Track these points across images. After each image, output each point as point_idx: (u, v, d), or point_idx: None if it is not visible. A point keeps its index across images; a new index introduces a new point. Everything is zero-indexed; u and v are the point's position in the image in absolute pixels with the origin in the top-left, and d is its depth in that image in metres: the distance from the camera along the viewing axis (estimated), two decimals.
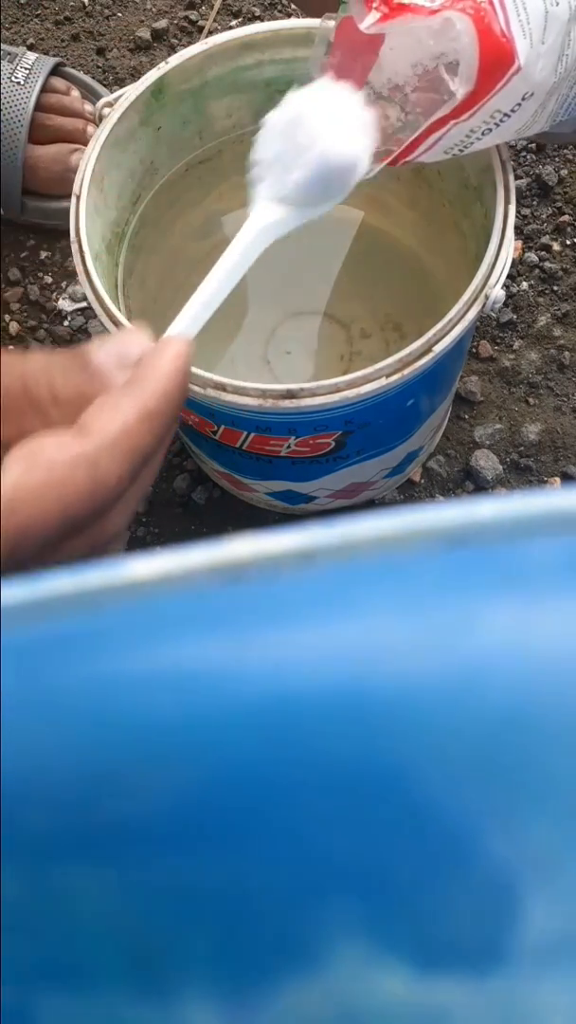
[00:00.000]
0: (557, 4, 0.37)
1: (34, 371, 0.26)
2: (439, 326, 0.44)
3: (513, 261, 0.69)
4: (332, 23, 0.39)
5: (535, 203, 0.73)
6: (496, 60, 0.35)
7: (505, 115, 0.38)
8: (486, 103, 0.37)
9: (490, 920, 0.14)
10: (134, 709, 0.15)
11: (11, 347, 0.71)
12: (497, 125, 0.39)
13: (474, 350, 0.68)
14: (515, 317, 0.69)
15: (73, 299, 0.72)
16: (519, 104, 0.38)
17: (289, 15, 0.82)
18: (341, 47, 0.39)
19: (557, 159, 0.74)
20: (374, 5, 0.35)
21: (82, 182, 0.48)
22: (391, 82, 0.37)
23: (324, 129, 0.35)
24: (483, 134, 0.39)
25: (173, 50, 0.81)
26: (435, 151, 0.39)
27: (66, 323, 0.71)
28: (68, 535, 0.25)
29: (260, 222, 0.36)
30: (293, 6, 0.82)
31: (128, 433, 0.26)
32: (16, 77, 0.70)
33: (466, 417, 0.66)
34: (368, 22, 0.35)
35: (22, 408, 0.25)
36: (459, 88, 0.35)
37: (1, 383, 0.25)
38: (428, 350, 0.44)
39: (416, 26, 0.35)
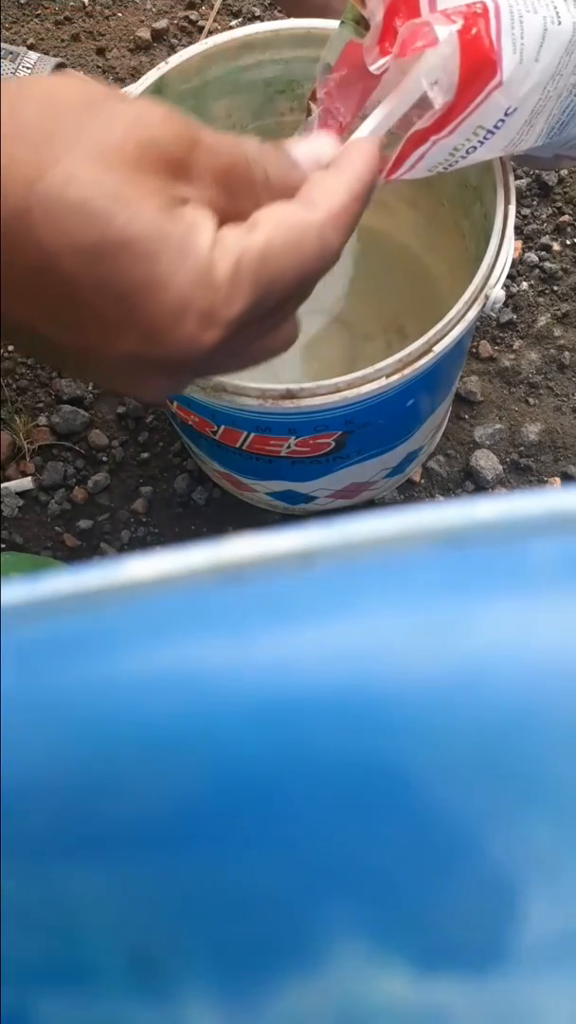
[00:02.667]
0: (559, 23, 0.37)
1: (253, 154, 0.28)
2: (439, 326, 0.44)
3: (513, 261, 0.69)
4: (343, 35, 0.38)
5: (535, 203, 0.73)
6: (478, 71, 0.35)
7: (489, 131, 0.38)
8: (467, 118, 0.36)
9: (490, 920, 0.14)
10: (134, 709, 0.15)
11: (11, 347, 0.71)
12: (481, 143, 0.38)
13: (474, 350, 0.68)
14: (515, 317, 0.69)
15: None
16: (502, 120, 0.37)
17: (289, 14, 0.82)
18: (347, 67, 0.39)
19: None
20: (388, 48, 0.35)
21: None
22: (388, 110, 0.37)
23: None
24: (468, 152, 0.39)
25: (173, 50, 0.81)
26: (419, 169, 0.39)
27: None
28: (292, 298, 0.29)
29: (434, 57, 0.37)
30: None
31: (346, 209, 0.29)
32: (18, 77, 0.69)
33: (466, 417, 0.66)
34: (378, 64, 0.35)
35: (244, 185, 0.28)
36: (437, 97, 0.35)
37: (228, 162, 0.27)
38: (428, 350, 0.44)
39: (412, 58, 0.34)
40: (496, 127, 0.38)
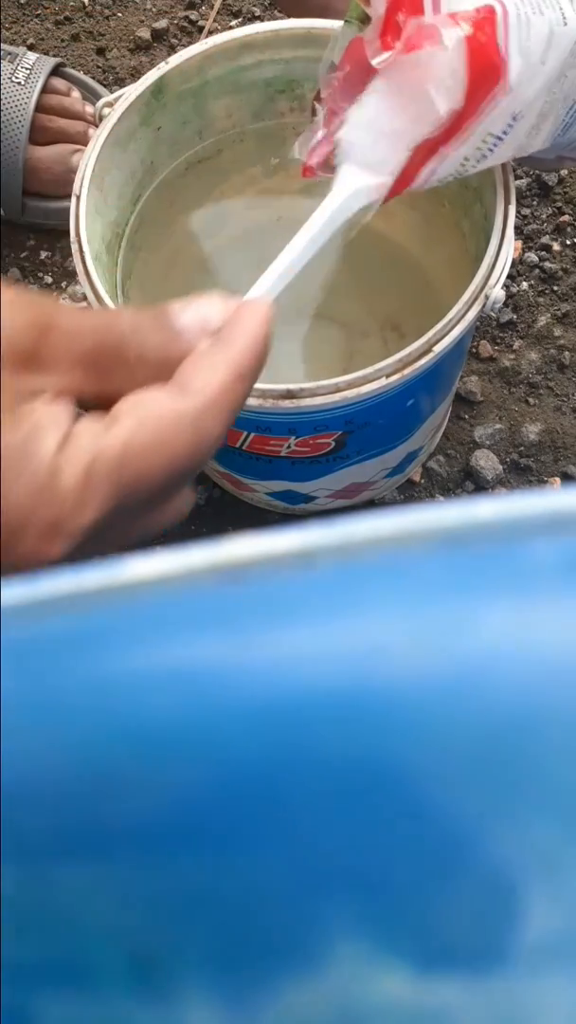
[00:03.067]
0: (565, 24, 0.37)
1: (126, 329, 0.26)
2: (439, 326, 0.44)
3: (513, 261, 0.69)
4: (347, 34, 0.38)
5: (535, 203, 0.73)
6: (485, 76, 0.35)
7: (497, 138, 0.38)
8: (476, 125, 0.36)
9: (490, 920, 0.14)
10: (134, 709, 0.15)
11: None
12: (491, 150, 0.38)
13: (474, 350, 0.68)
14: (515, 317, 0.69)
15: (73, 299, 0.72)
16: (510, 125, 0.37)
17: (288, 15, 0.82)
18: (351, 64, 0.38)
19: None
20: (391, 42, 0.35)
21: (82, 182, 0.48)
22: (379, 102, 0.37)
23: (418, 102, 0.34)
24: (478, 161, 0.39)
25: (173, 50, 0.81)
26: (431, 182, 0.39)
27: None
28: (166, 491, 0.26)
29: (347, 189, 0.35)
30: None
31: (226, 392, 0.26)
32: (16, 77, 0.70)
33: (466, 417, 0.66)
34: (379, 59, 0.35)
35: (113, 365, 0.25)
36: (442, 104, 0.35)
37: (92, 344, 0.25)
38: (428, 350, 0.44)
39: (414, 56, 0.34)
40: (504, 133, 0.37)
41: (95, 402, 0.25)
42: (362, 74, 0.38)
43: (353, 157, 0.36)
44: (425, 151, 0.37)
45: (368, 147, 0.36)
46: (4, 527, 0.23)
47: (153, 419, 0.25)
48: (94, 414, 0.25)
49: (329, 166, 0.41)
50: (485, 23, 0.34)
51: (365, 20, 0.37)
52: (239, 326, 0.27)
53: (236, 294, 0.38)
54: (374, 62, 0.35)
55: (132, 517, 0.26)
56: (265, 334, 0.28)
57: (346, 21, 0.38)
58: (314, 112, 0.41)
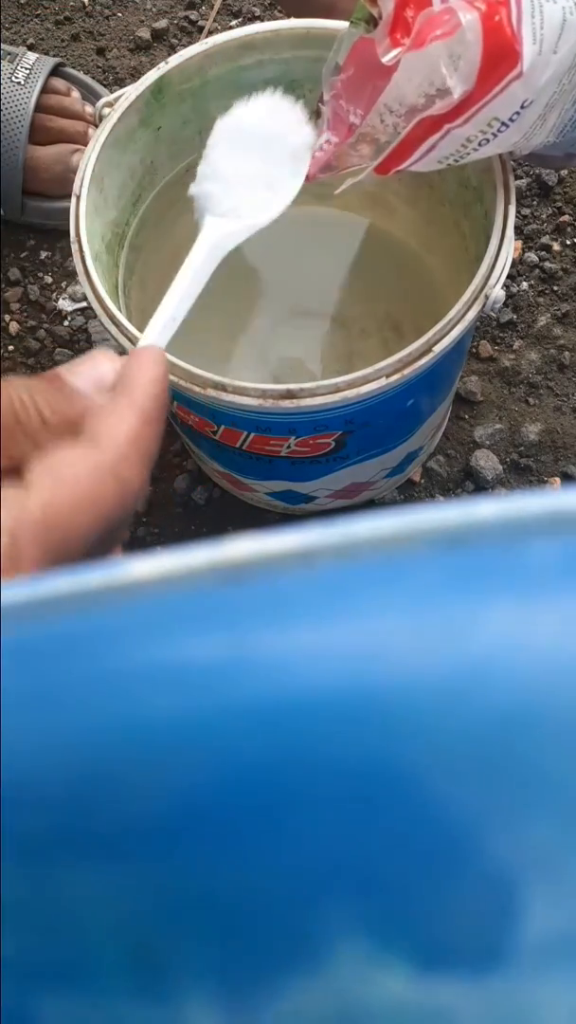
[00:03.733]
0: None
1: (19, 399, 0.26)
2: (439, 326, 0.44)
3: (513, 261, 0.69)
4: (352, 36, 0.38)
5: (535, 203, 0.73)
6: (498, 60, 0.35)
7: (504, 124, 0.38)
8: (483, 108, 0.36)
9: (491, 920, 0.14)
10: (134, 709, 0.15)
11: (11, 347, 0.71)
12: (495, 135, 0.38)
13: (474, 350, 0.68)
14: (515, 317, 0.69)
15: (73, 299, 0.72)
16: (518, 113, 0.37)
17: (290, 15, 0.82)
18: (356, 65, 0.38)
19: None
20: (400, 39, 0.35)
21: (82, 182, 0.48)
22: (399, 102, 0.37)
23: (264, 141, 0.37)
24: (480, 144, 0.39)
25: (173, 50, 0.81)
26: (429, 159, 0.39)
27: (66, 323, 0.72)
28: (99, 539, 0.26)
29: (211, 238, 0.38)
30: None
31: (138, 438, 0.26)
32: (16, 77, 0.70)
33: (466, 417, 0.66)
34: (390, 56, 0.35)
35: (15, 435, 0.25)
36: (456, 86, 0.35)
37: None
38: (428, 350, 0.44)
39: (429, 48, 0.34)
40: (511, 119, 0.37)
41: (8, 468, 0.25)
42: (368, 75, 0.38)
43: (210, 209, 0.38)
44: (428, 126, 0.37)
45: (220, 197, 0.38)
46: None
47: (71, 477, 0.24)
48: (9, 478, 0.25)
49: (330, 168, 0.41)
50: (499, 4, 0.34)
51: (371, 21, 0.37)
52: (135, 374, 0.28)
53: (237, 294, 0.38)
54: (385, 59, 0.35)
55: (74, 557, 0.25)
56: (162, 377, 0.28)
57: (351, 23, 0.38)
58: (318, 114, 0.41)
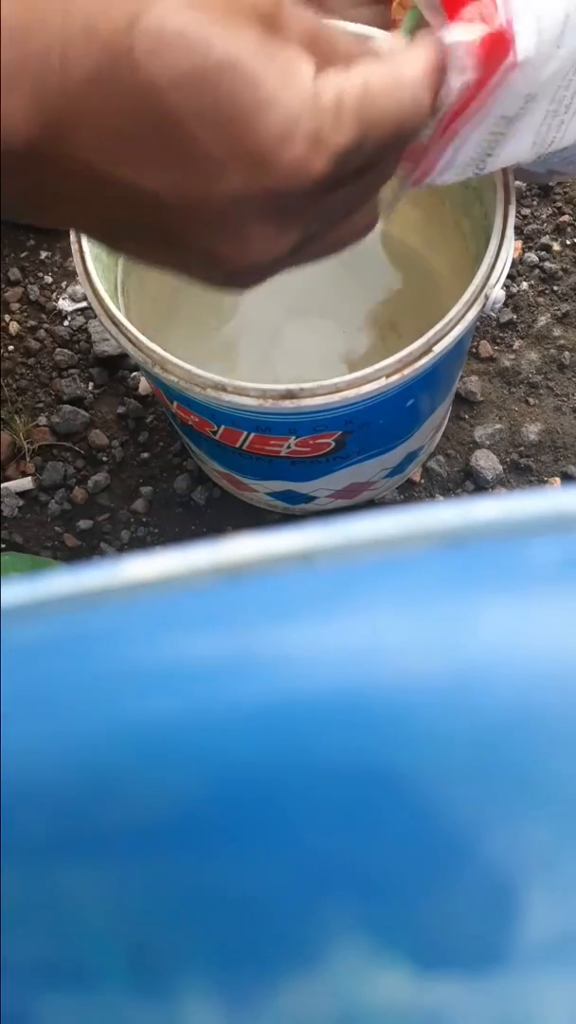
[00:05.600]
0: None
1: (335, 28, 0.29)
2: (439, 326, 0.44)
3: (513, 261, 0.69)
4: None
5: (535, 203, 0.73)
6: (492, 48, 0.35)
7: (507, 120, 0.38)
8: (487, 101, 0.36)
9: (490, 920, 0.14)
10: (134, 709, 0.15)
11: (11, 347, 0.71)
12: (503, 134, 0.38)
13: (474, 350, 0.68)
14: (515, 317, 0.69)
15: (73, 299, 0.72)
16: (523, 107, 0.37)
17: None
18: None
19: None
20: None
21: None
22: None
23: None
24: (496, 144, 0.39)
25: None
26: (456, 165, 0.39)
27: (66, 323, 0.72)
28: (385, 154, 0.29)
29: None
30: None
31: (430, 74, 0.30)
32: None
33: (466, 417, 0.66)
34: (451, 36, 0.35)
35: (328, 51, 0.27)
36: (455, 79, 0.35)
37: (313, 25, 0.27)
38: (428, 350, 0.44)
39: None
40: (516, 115, 0.37)
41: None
42: None
43: None
44: (444, 129, 0.37)
45: None
46: (276, 132, 0.25)
47: (382, 74, 0.27)
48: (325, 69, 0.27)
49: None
50: None
51: (422, 23, 0.37)
52: (424, 41, 0.31)
53: (235, 295, 0.38)
54: (448, 40, 0.35)
55: (350, 193, 0.29)
56: (440, 58, 0.31)
57: (403, 31, 0.38)
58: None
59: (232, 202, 0.26)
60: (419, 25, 0.37)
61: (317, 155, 0.26)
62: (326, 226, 0.30)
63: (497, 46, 0.34)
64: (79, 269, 0.47)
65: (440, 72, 0.31)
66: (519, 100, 0.37)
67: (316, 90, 0.26)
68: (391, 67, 0.29)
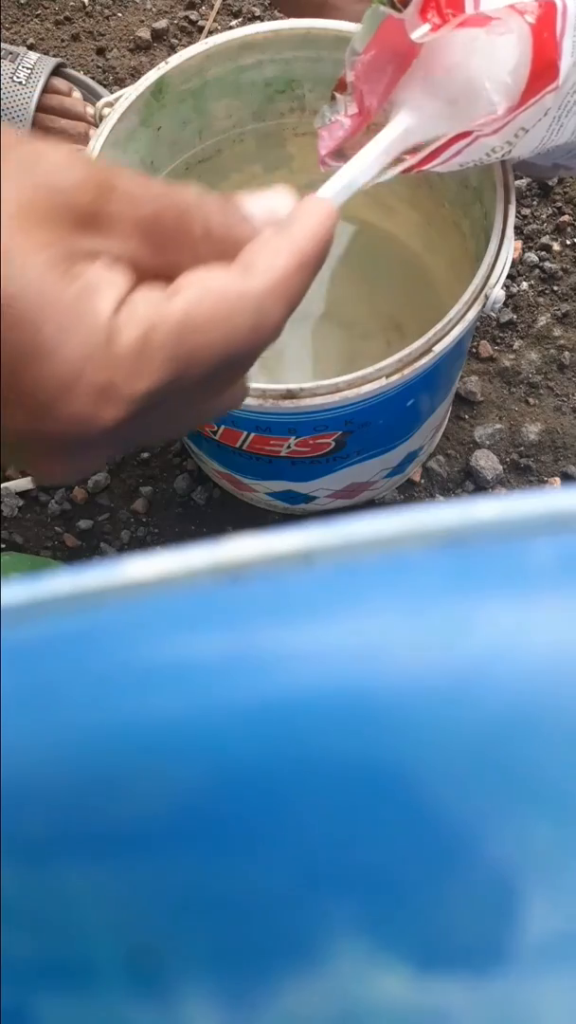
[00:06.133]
0: None
1: (191, 200, 0.25)
2: (439, 326, 0.44)
3: (513, 261, 0.69)
4: (373, 18, 0.37)
5: (535, 203, 0.73)
6: (541, 74, 0.34)
7: (524, 131, 0.37)
8: (515, 119, 0.36)
9: (490, 920, 0.14)
10: (134, 709, 0.15)
11: None
12: (512, 145, 0.38)
13: (474, 350, 0.68)
14: (515, 317, 0.69)
15: None
16: (539, 120, 0.37)
17: (287, 15, 0.82)
18: (378, 47, 0.38)
19: None
20: (428, 15, 0.34)
21: None
22: (424, 88, 0.36)
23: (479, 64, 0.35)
24: (503, 154, 0.39)
25: (173, 50, 0.81)
26: (452, 163, 0.39)
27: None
28: (220, 376, 0.25)
29: (402, 124, 0.36)
30: None
31: (289, 278, 0.26)
32: (18, 77, 0.70)
33: (466, 417, 0.66)
34: (419, 32, 0.34)
35: (176, 236, 0.24)
36: (501, 103, 0.34)
37: (153, 212, 0.24)
38: (428, 350, 0.44)
39: (465, 33, 0.33)
40: (533, 127, 0.37)
41: (154, 275, 0.24)
42: (388, 60, 0.37)
43: (410, 104, 0.36)
44: (460, 135, 0.36)
45: (422, 103, 0.36)
46: (54, 385, 0.22)
47: (216, 294, 0.24)
48: (152, 283, 0.24)
49: (342, 154, 0.40)
50: (548, 17, 0.33)
51: (393, 4, 0.36)
52: (304, 217, 0.27)
53: None
54: (414, 35, 0.34)
55: (185, 400, 0.25)
56: (329, 229, 0.27)
57: (374, 4, 0.37)
58: (333, 99, 0.41)
59: (21, 440, 0.24)
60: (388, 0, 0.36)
61: (107, 407, 0.23)
62: (168, 419, 0.26)
63: (546, 69, 0.34)
64: None
65: (316, 262, 0.27)
66: (540, 114, 0.37)
67: (111, 331, 0.22)
68: (233, 276, 0.24)
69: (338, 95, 0.40)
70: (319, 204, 0.28)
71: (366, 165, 0.35)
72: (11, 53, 0.71)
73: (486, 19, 0.33)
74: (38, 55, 0.72)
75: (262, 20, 0.82)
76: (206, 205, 0.25)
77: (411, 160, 0.38)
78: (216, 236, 0.25)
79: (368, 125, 0.39)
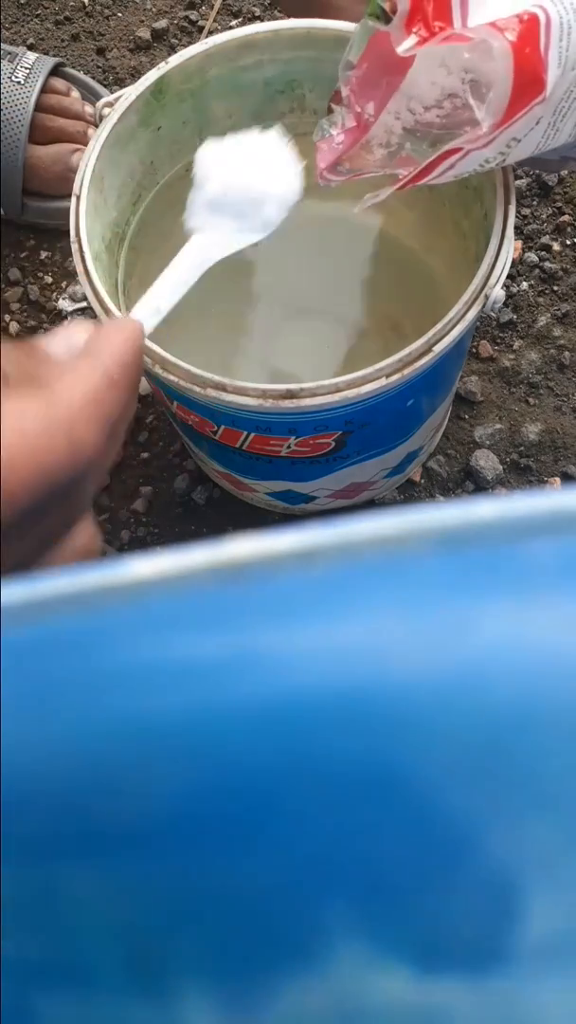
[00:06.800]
0: None
1: None
2: (439, 326, 0.44)
3: (513, 261, 0.69)
4: (365, 32, 0.37)
5: (535, 203, 0.73)
6: (527, 89, 0.34)
7: (517, 141, 0.38)
8: (505, 131, 0.36)
9: (491, 920, 0.14)
10: (134, 709, 0.15)
11: None
12: (504, 155, 0.38)
13: (474, 350, 0.68)
14: (515, 317, 0.69)
15: (73, 299, 0.72)
16: (532, 128, 0.37)
17: (288, 15, 0.82)
18: (369, 61, 0.38)
19: None
20: (414, 29, 0.34)
21: (82, 182, 0.48)
22: (412, 104, 0.36)
23: (253, 174, 0.38)
24: (497, 164, 0.39)
25: (173, 50, 0.81)
26: (447, 176, 0.39)
27: (66, 323, 0.72)
28: (50, 505, 0.25)
29: (198, 247, 0.39)
30: None
31: (97, 398, 0.25)
32: (16, 77, 0.70)
33: (466, 417, 0.66)
34: (406, 46, 0.34)
35: None
36: (486, 119, 0.34)
37: None
38: (428, 350, 0.44)
39: (448, 49, 0.34)
40: (525, 135, 0.37)
41: None
42: (382, 71, 0.37)
43: (198, 229, 0.39)
44: (449, 150, 0.36)
45: (210, 221, 0.39)
46: None
47: (17, 428, 0.23)
48: None
49: (340, 170, 0.41)
50: (529, 32, 0.33)
51: (383, 17, 0.36)
52: (104, 338, 0.27)
53: (237, 294, 0.38)
54: (400, 49, 0.34)
55: (21, 544, 0.25)
56: (134, 344, 0.27)
57: (365, 17, 0.38)
58: (329, 111, 0.41)
59: None
60: (378, 12, 0.36)
61: None
62: (15, 554, 0.25)
63: (532, 85, 0.34)
64: (79, 269, 0.47)
65: (126, 379, 0.26)
66: (531, 123, 0.37)
67: None
68: (36, 415, 0.24)
69: (335, 107, 0.40)
70: (119, 324, 0.28)
71: (169, 289, 0.37)
72: (10, 53, 0.71)
73: (468, 38, 0.33)
74: (36, 55, 0.72)
75: (262, 20, 0.82)
76: (9, 360, 0.25)
77: (405, 177, 0.38)
78: (14, 378, 0.25)
79: (366, 138, 0.39)
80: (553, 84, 0.35)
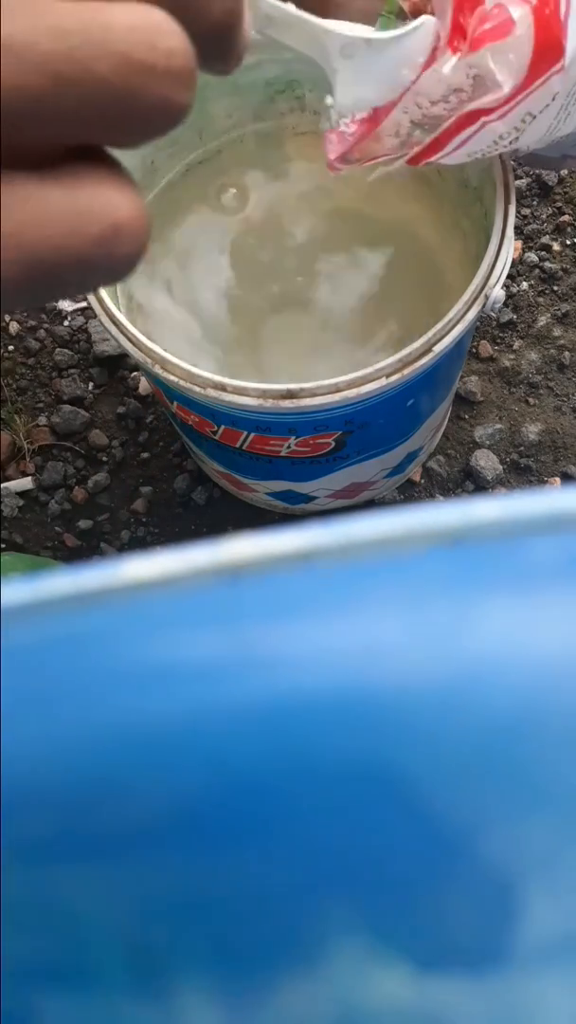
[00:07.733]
0: None
1: None
2: (439, 326, 0.44)
3: (513, 261, 0.69)
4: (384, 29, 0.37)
5: (535, 203, 0.73)
6: (546, 54, 0.34)
7: (532, 116, 0.37)
8: (521, 102, 0.36)
9: (490, 920, 0.14)
10: (134, 709, 0.15)
11: (11, 347, 0.71)
12: (519, 131, 0.38)
13: (474, 350, 0.68)
14: (515, 317, 0.69)
15: (73, 299, 0.73)
16: (547, 106, 0.37)
17: None
18: None
19: None
20: (458, 46, 0.34)
21: None
22: (420, 99, 0.36)
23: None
24: (510, 142, 0.39)
25: None
26: (459, 154, 0.39)
27: (66, 323, 0.72)
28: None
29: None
30: None
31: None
32: None
33: (466, 417, 0.66)
34: (450, 65, 0.34)
35: None
36: (507, 81, 0.34)
37: None
38: (428, 350, 0.44)
39: (480, 55, 0.33)
40: (540, 111, 0.37)
41: None
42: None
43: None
44: (465, 119, 0.36)
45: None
46: None
47: None
48: None
49: (350, 159, 0.40)
50: None
51: (401, 14, 0.36)
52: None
53: (237, 293, 0.38)
54: (445, 69, 0.34)
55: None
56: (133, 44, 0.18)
57: (383, 16, 0.38)
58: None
59: None
60: (397, 10, 0.36)
61: None
62: None
63: (551, 49, 0.34)
64: None
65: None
66: (547, 99, 0.36)
67: None
68: None
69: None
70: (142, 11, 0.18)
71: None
72: None
73: (503, 32, 0.33)
74: None
75: None
76: None
77: (416, 149, 0.38)
78: None
79: (378, 129, 0.39)
80: (572, 54, 0.35)
